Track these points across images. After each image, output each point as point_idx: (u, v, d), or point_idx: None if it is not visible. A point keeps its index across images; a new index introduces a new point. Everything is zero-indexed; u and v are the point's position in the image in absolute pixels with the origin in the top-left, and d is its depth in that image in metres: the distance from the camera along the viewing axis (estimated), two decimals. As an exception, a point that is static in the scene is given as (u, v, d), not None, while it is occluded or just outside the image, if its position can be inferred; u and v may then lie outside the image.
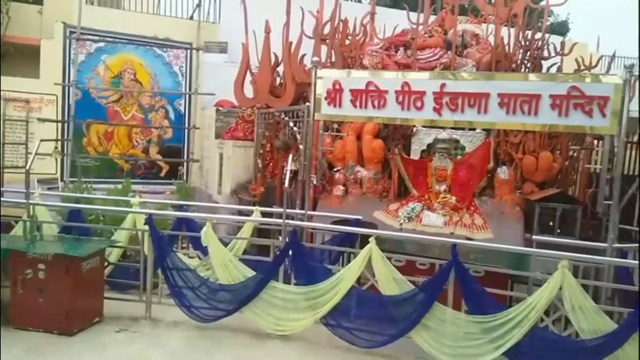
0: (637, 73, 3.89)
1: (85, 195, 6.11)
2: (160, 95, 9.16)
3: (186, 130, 9.34)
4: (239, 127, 7.82)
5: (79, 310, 4.11)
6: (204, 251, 4.57)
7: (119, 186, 6.63)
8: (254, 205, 6.02)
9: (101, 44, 8.65)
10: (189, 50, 9.24)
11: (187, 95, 9.34)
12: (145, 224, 4.50)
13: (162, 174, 9.32)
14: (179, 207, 5.85)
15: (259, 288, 4.21)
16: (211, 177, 8.63)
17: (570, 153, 5.56)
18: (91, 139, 8.78)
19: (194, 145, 9.32)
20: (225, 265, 4.32)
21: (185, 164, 9.34)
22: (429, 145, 5.89)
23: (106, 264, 4.68)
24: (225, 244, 4.61)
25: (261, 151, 7.06)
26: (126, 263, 5.10)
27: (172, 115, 9.38)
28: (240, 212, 6.08)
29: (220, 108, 8.63)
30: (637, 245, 4.50)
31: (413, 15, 7.43)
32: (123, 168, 8.97)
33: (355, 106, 4.74)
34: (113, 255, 4.89)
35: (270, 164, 6.92)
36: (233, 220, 5.82)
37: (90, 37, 8.50)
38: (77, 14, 8.02)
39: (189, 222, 5.13)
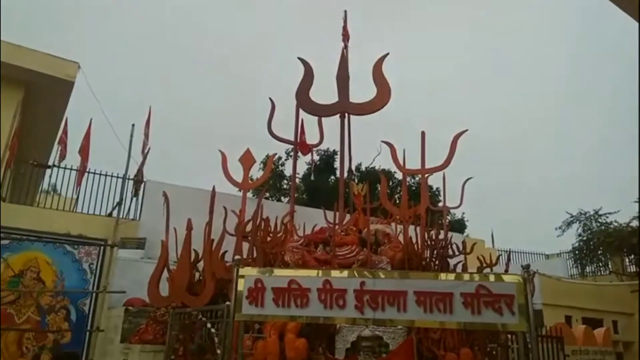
0: (532, 271, 4.31)
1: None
2: (63, 294, 8.42)
3: (87, 334, 8.40)
4: (149, 329, 7.19)
5: None
6: None
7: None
8: None
9: (5, 242, 8.14)
10: (101, 247, 8.93)
11: (94, 294, 8.68)
12: None
13: (50, 388, 7.97)
14: None
15: None
16: (110, 391, 7.52)
17: (488, 349, 5.67)
18: (-32, 349, 7.55)
19: (94, 351, 8.29)
20: None
21: (80, 373, 8.13)
22: (352, 343, 5.76)
23: None
24: None
25: (173, 357, 6.42)
26: None
27: (73, 317, 8.48)
28: None
29: (130, 307, 8.02)
30: None
31: (329, 214, 8.02)
32: (2, 383, 7.59)
33: (277, 305, 4.66)
34: None
35: (183, 371, 6.25)
36: None
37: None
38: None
39: None
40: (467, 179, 8.96)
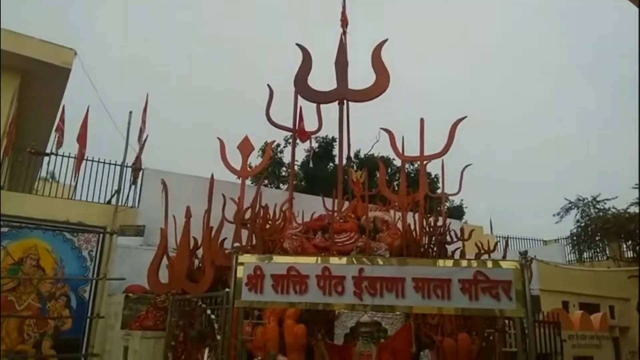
0: (530, 258, 4.34)
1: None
2: (63, 281, 8.44)
3: (88, 320, 8.44)
4: (150, 315, 7.26)
5: None
6: None
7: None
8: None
9: (4, 229, 8.14)
10: (101, 235, 8.93)
11: (94, 281, 8.71)
12: None
13: (52, 374, 8.02)
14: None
15: None
16: (111, 376, 7.60)
17: (486, 335, 5.71)
18: (-32, 336, 7.57)
19: (94, 338, 8.34)
20: None
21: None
22: (351, 329, 5.80)
23: None
24: None
25: (173, 343, 6.48)
26: None
27: (74, 304, 8.50)
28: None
29: (130, 294, 8.08)
30: None
31: (328, 201, 8.03)
32: (4, 369, 7.64)
33: (276, 292, 4.69)
34: None
35: (183, 357, 6.30)
36: None
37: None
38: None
39: None
40: (466, 166, 8.93)
